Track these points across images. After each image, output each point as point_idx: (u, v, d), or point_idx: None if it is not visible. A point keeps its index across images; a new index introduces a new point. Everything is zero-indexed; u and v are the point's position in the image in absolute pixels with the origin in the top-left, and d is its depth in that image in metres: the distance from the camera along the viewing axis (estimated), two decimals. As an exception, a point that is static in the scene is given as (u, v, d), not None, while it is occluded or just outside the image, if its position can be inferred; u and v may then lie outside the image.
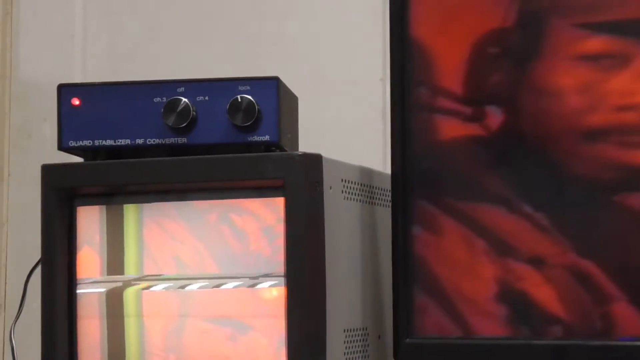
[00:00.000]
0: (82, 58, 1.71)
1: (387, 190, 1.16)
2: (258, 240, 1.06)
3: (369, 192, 1.17)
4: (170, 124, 1.08)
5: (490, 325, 1.10)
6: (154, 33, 1.67)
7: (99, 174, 1.10)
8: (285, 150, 1.09)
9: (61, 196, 1.10)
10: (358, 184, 1.15)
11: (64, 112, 1.11)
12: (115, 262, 1.10)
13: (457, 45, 1.12)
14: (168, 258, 1.09)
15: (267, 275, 1.06)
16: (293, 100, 1.13)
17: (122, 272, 1.09)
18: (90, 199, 1.11)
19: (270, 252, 1.06)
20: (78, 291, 1.10)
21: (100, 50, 1.70)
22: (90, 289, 1.10)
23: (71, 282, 1.10)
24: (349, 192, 1.13)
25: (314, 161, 1.06)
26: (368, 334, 1.16)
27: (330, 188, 1.08)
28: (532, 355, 1.09)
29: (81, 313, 1.10)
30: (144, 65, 1.64)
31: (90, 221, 1.11)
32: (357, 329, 1.13)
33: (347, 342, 1.11)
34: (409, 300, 1.12)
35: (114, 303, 1.09)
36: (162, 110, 1.08)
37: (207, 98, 1.08)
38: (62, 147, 1.11)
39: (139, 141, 1.09)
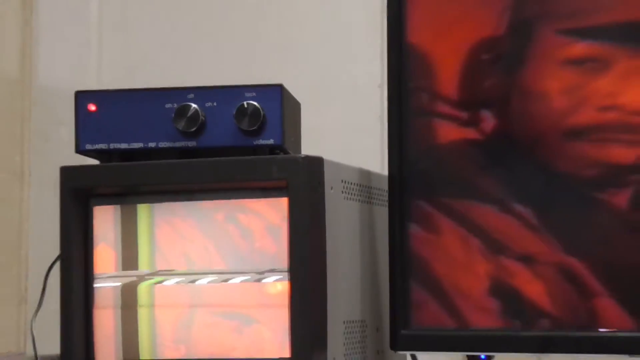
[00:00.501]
0: (98, 66, 1.71)
1: (384, 190, 1.16)
2: (263, 238, 1.06)
3: (367, 192, 1.17)
4: (180, 129, 1.08)
5: (483, 318, 1.09)
6: (165, 42, 1.67)
7: (114, 176, 1.10)
8: (289, 153, 1.09)
9: (78, 196, 1.10)
10: (357, 184, 1.15)
11: (81, 117, 1.11)
12: (129, 258, 1.10)
13: (452, 52, 1.12)
14: (178, 255, 1.08)
15: (272, 271, 1.06)
16: (296, 105, 1.13)
17: (136, 268, 1.09)
18: (106, 199, 1.11)
19: (275, 249, 1.06)
20: (95, 285, 1.10)
21: (114, 58, 1.70)
22: (106, 284, 1.10)
23: (88, 276, 1.10)
24: (348, 192, 1.13)
25: (316, 163, 1.06)
26: (366, 325, 1.16)
27: (331, 188, 1.08)
28: (521, 346, 1.09)
29: (97, 305, 1.10)
30: (156, 73, 1.64)
31: (105, 220, 1.11)
32: (356, 321, 1.13)
33: (347, 333, 1.11)
34: (405, 293, 1.11)
35: (128, 296, 1.09)
36: (173, 115, 1.08)
37: (215, 104, 1.08)
38: (79, 150, 1.11)
39: (151, 144, 1.09)
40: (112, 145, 1.10)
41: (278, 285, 1.05)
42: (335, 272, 1.08)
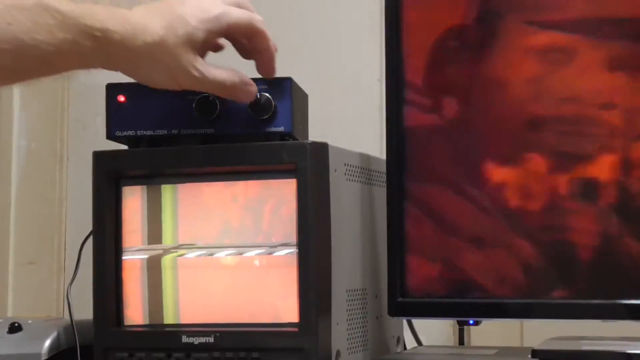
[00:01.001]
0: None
1: (382, 173, 1.15)
2: (274, 216, 1.05)
3: (367, 174, 1.16)
4: (201, 117, 1.06)
5: (470, 287, 1.08)
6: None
7: (141, 159, 1.09)
8: (297, 139, 1.07)
9: (109, 178, 1.09)
10: (358, 167, 1.14)
11: (112, 107, 1.09)
12: (154, 234, 1.08)
13: (425, 42, 1.10)
14: (199, 230, 1.07)
15: (282, 245, 1.04)
16: (304, 97, 1.12)
17: (160, 242, 1.08)
18: (134, 180, 1.09)
19: (285, 225, 1.04)
20: (124, 257, 1.09)
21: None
22: (134, 256, 1.08)
23: (118, 249, 1.09)
24: (351, 175, 1.11)
25: (322, 148, 1.05)
26: (367, 293, 1.14)
27: (335, 171, 1.07)
28: (505, 312, 1.08)
29: (126, 275, 1.09)
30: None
31: (133, 199, 1.09)
32: (357, 289, 1.12)
33: (349, 300, 1.10)
34: (401, 265, 1.10)
35: (153, 267, 1.08)
36: (194, 105, 1.06)
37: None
38: (110, 136, 1.09)
39: (174, 131, 1.07)
40: (140, 132, 1.08)
41: (288, 258, 1.03)
42: (339, 245, 1.06)
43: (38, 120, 1.77)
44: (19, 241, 1.76)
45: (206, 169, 1.07)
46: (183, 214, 1.07)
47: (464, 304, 1.08)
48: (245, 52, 1.06)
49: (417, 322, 1.28)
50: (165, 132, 1.07)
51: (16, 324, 1.18)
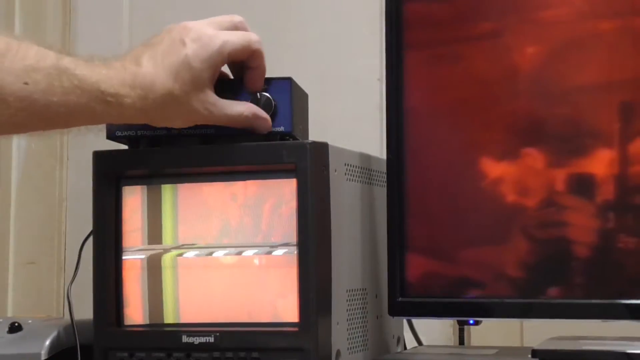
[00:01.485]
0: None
1: (383, 172, 1.15)
2: (274, 215, 1.05)
3: (367, 174, 1.16)
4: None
5: (470, 287, 1.08)
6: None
7: (141, 159, 1.09)
8: (298, 139, 1.07)
9: (109, 178, 1.09)
10: (358, 167, 1.14)
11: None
12: (154, 233, 1.08)
13: (425, 42, 1.11)
14: (199, 230, 1.07)
15: (282, 245, 1.04)
16: (304, 96, 1.12)
17: (160, 242, 1.08)
18: (134, 180, 1.09)
19: (285, 225, 1.04)
20: (124, 257, 1.09)
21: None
22: (134, 256, 1.08)
23: (118, 249, 1.09)
24: (351, 174, 1.11)
25: (322, 148, 1.05)
26: (367, 293, 1.14)
27: (335, 171, 1.06)
28: (505, 312, 1.08)
29: (126, 275, 1.09)
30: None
31: (133, 199, 1.09)
32: (357, 289, 1.12)
33: (350, 300, 1.09)
34: (401, 264, 1.10)
35: (153, 267, 1.08)
36: (194, 105, 1.06)
37: (230, 95, 1.06)
38: (110, 136, 1.09)
39: (175, 131, 1.07)
40: (140, 132, 1.08)
41: (288, 257, 1.03)
42: (339, 245, 1.06)
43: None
44: (19, 241, 1.76)
45: (206, 169, 1.07)
46: (183, 213, 1.07)
47: (464, 304, 1.08)
48: (235, 70, 1.07)
49: (417, 322, 1.28)
50: (165, 132, 1.07)
51: (16, 324, 1.18)
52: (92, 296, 1.09)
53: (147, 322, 1.08)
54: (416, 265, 1.10)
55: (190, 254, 1.06)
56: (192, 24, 1.03)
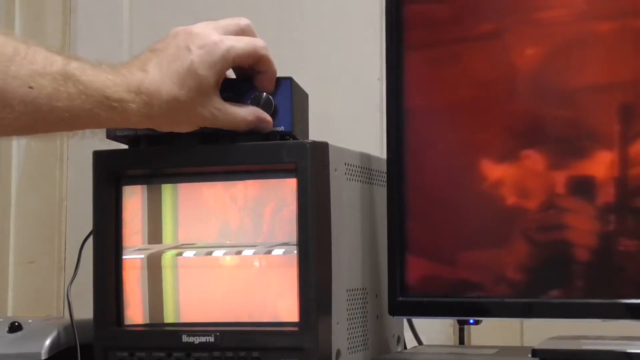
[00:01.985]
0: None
1: (383, 172, 1.15)
2: (274, 215, 1.04)
3: (368, 173, 1.16)
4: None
5: (471, 287, 1.08)
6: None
7: (141, 159, 1.09)
8: (298, 139, 1.07)
9: (109, 177, 1.09)
10: (359, 167, 1.13)
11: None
12: (155, 233, 1.08)
13: (425, 41, 1.11)
14: (199, 230, 1.07)
15: (282, 244, 1.04)
16: (304, 96, 1.12)
17: (160, 241, 1.08)
18: (134, 180, 1.09)
19: (285, 225, 1.04)
20: (124, 257, 1.08)
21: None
22: (134, 255, 1.08)
23: (118, 248, 1.08)
24: (351, 174, 1.11)
25: (322, 148, 1.04)
26: (367, 293, 1.14)
27: (335, 170, 1.06)
28: (505, 311, 1.08)
29: (126, 275, 1.08)
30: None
31: (133, 198, 1.09)
32: (357, 289, 1.12)
33: (349, 299, 1.09)
34: (401, 264, 1.10)
35: (153, 266, 1.07)
36: (194, 105, 1.06)
37: (232, 94, 1.06)
38: (109, 136, 1.09)
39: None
40: (139, 132, 1.08)
41: (288, 257, 1.03)
42: (339, 244, 1.06)
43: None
44: (19, 240, 1.76)
45: (206, 169, 1.07)
46: (183, 213, 1.07)
47: (464, 303, 1.08)
48: (243, 73, 1.07)
49: (418, 322, 1.28)
50: (165, 131, 1.07)
51: (16, 324, 1.18)
52: (92, 296, 1.08)
53: (147, 321, 1.08)
54: (416, 265, 1.09)
55: (189, 253, 1.06)
56: (197, 29, 1.03)
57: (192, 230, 1.07)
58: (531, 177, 1.06)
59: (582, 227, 1.04)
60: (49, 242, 1.75)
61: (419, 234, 1.10)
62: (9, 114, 0.92)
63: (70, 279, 1.16)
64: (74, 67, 0.95)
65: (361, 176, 1.14)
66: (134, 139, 1.09)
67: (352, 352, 1.09)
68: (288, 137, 1.06)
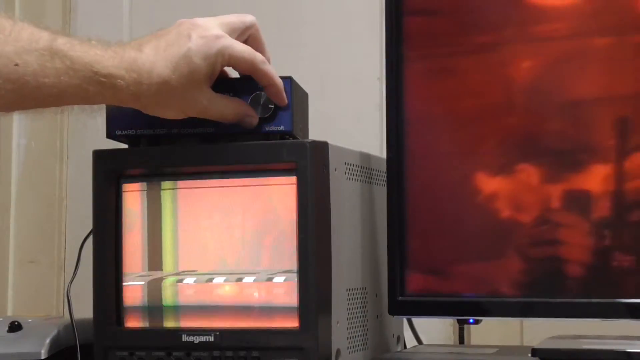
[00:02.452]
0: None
1: (383, 171, 1.15)
2: (274, 214, 1.04)
3: (368, 173, 1.16)
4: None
5: (471, 286, 1.08)
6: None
7: (141, 158, 1.08)
8: (298, 138, 1.07)
9: (109, 176, 1.09)
10: (358, 166, 1.13)
11: (111, 106, 1.08)
12: (155, 232, 1.08)
13: (425, 41, 1.11)
14: (200, 226, 1.06)
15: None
16: (304, 96, 1.12)
17: (160, 239, 1.07)
18: (134, 179, 1.09)
19: (284, 224, 1.04)
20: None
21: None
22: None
23: (117, 247, 1.08)
24: (351, 173, 1.11)
25: (322, 147, 1.04)
26: (367, 292, 1.14)
27: (335, 170, 1.06)
28: (505, 311, 1.08)
29: (126, 274, 1.08)
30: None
31: (133, 197, 1.09)
32: (357, 288, 1.12)
33: (349, 299, 1.09)
34: (401, 263, 1.10)
35: (153, 267, 1.08)
36: (194, 104, 1.06)
37: (232, 94, 1.06)
38: (109, 135, 1.09)
39: (174, 130, 1.07)
40: (139, 131, 1.08)
41: (287, 255, 1.03)
42: (339, 244, 1.06)
43: (37, 117, 1.77)
44: (19, 240, 1.76)
45: (206, 168, 1.07)
46: (183, 212, 1.07)
47: (464, 303, 1.08)
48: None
49: (417, 321, 1.28)
50: (165, 130, 1.07)
51: (16, 323, 1.17)
52: (91, 295, 1.08)
53: (147, 323, 1.08)
54: (416, 265, 1.10)
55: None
56: (202, 21, 1.03)
57: (191, 228, 1.07)
58: (526, 191, 1.06)
59: (577, 242, 1.04)
60: (49, 241, 1.74)
61: (419, 233, 1.09)
62: None
63: (70, 278, 1.16)
64: (61, 42, 0.95)
65: (361, 176, 1.14)
66: (133, 138, 1.09)
67: (352, 352, 1.09)
68: (288, 137, 1.06)
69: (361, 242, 1.13)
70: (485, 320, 1.11)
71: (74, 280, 1.16)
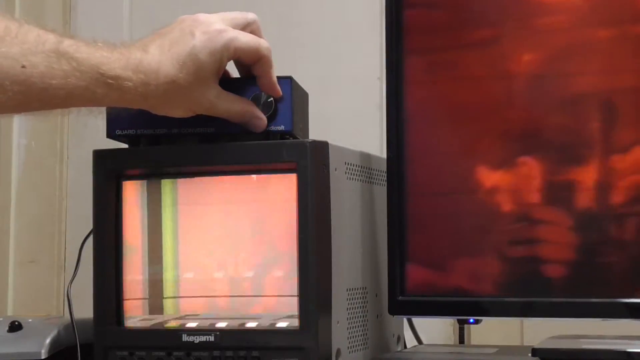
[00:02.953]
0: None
1: (383, 171, 1.15)
2: (275, 214, 1.04)
3: (368, 173, 1.16)
4: (201, 116, 1.06)
5: (471, 286, 1.08)
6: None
7: (141, 158, 1.08)
8: (298, 138, 1.07)
9: (109, 176, 1.09)
10: (359, 166, 1.13)
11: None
12: (155, 232, 1.08)
13: (425, 42, 1.12)
14: (200, 225, 1.07)
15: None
16: (304, 95, 1.12)
17: (160, 236, 1.08)
18: (134, 178, 1.09)
19: (284, 223, 1.04)
20: (124, 255, 1.08)
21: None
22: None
23: (118, 247, 1.08)
24: (351, 173, 1.11)
25: (322, 147, 1.04)
26: (367, 292, 1.14)
27: (335, 170, 1.06)
28: (505, 311, 1.08)
29: (126, 273, 1.08)
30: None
31: (133, 197, 1.09)
32: (357, 288, 1.12)
33: (350, 299, 1.09)
34: (401, 263, 1.10)
35: (154, 267, 1.08)
36: (194, 104, 1.06)
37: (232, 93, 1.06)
38: (110, 135, 1.09)
39: (175, 130, 1.07)
40: (139, 131, 1.08)
41: (287, 255, 1.03)
42: (339, 244, 1.06)
43: (38, 118, 1.77)
44: (19, 240, 1.76)
45: (206, 168, 1.07)
46: (183, 212, 1.07)
47: (464, 303, 1.08)
48: (245, 72, 1.07)
49: (418, 321, 1.28)
50: (165, 130, 1.07)
51: (16, 323, 1.17)
52: (92, 295, 1.08)
53: (148, 323, 1.08)
54: (416, 264, 1.09)
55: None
56: (204, 17, 1.03)
57: (190, 225, 1.07)
58: (527, 184, 1.06)
59: (561, 240, 1.04)
60: (49, 241, 1.75)
61: (419, 233, 1.09)
62: (2, 94, 0.92)
63: (70, 278, 1.16)
64: (67, 44, 0.95)
65: (361, 175, 1.14)
66: (134, 138, 1.09)
67: (352, 352, 1.09)
68: (288, 137, 1.06)
69: (361, 242, 1.13)
70: (485, 320, 1.11)
71: (74, 280, 1.16)
